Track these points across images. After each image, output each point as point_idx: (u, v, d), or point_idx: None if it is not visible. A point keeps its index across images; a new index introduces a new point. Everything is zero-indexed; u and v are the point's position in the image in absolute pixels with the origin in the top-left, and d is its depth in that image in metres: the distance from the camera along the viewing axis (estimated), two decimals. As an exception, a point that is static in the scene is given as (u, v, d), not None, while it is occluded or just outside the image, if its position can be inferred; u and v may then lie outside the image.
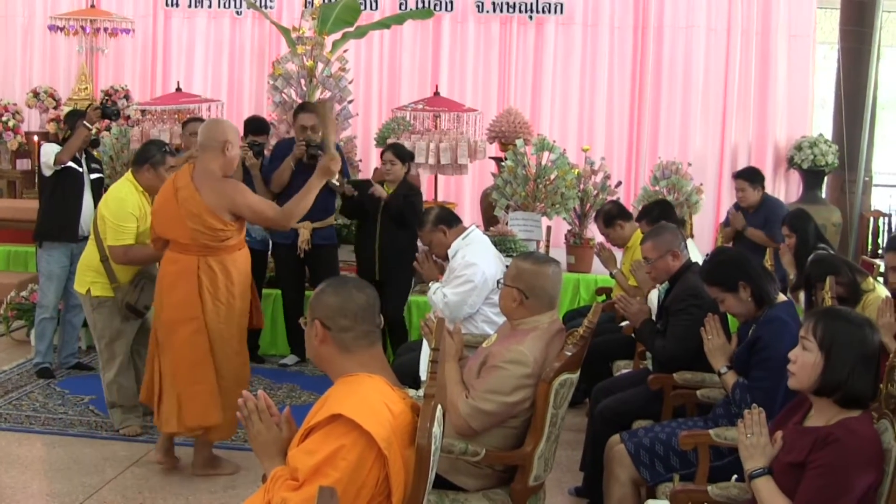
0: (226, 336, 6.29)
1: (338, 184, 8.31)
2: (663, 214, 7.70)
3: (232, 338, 6.33)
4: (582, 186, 10.18)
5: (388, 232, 8.68)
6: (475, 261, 6.79)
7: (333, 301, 3.56)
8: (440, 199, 11.79)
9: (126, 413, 7.29)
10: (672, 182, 10.41)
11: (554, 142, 10.29)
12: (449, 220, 7.05)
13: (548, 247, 9.32)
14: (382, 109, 13.82)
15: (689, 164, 10.89)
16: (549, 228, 9.65)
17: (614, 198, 9.87)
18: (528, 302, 4.82)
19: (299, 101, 10.42)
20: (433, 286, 6.93)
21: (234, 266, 6.29)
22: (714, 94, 13.54)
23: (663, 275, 6.21)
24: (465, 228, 7.07)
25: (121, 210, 6.96)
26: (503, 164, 10.34)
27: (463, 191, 13.71)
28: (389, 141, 10.25)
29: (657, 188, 10.45)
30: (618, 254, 8.37)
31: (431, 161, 10.79)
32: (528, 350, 4.66)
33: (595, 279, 9.95)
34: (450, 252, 6.95)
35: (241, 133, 10.59)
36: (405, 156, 8.89)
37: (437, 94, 11.83)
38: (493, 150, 12.02)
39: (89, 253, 7.21)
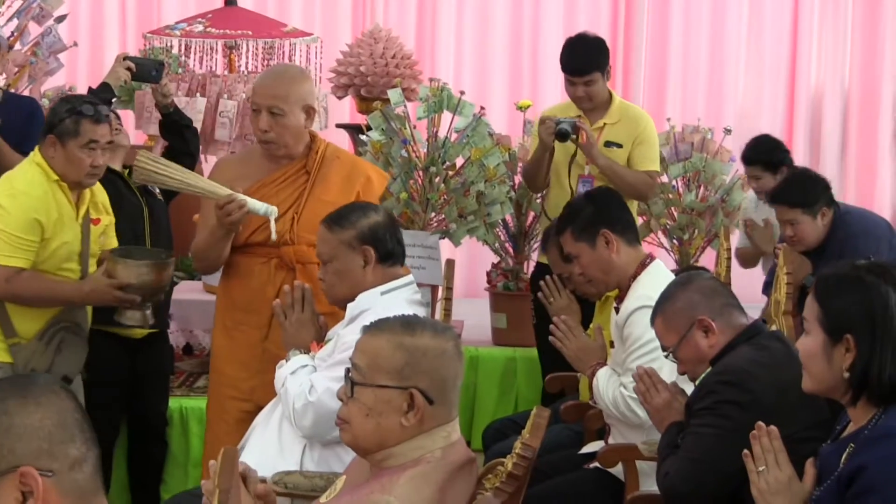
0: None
1: None
2: (599, 216, 5.08)
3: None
4: (518, 179, 7.31)
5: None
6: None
7: None
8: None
9: None
10: (693, 166, 7.49)
11: (462, 93, 7.07)
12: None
13: (449, 298, 6.20)
14: (127, 35, 10.01)
15: (728, 131, 7.82)
16: (450, 263, 6.50)
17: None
18: (433, 410, 3.19)
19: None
20: (295, 360, 4.66)
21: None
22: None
23: (692, 363, 4.19)
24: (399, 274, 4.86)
25: (20, 210, 5.07)
26: (364, 137, 7.49)
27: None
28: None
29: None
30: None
31: (230, 135, 7.39)
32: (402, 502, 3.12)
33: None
34: (351, 306, 4.68)
35: None
36: None
37: (230, 2, 8.29)
38: (345, 110, 8.95)
39: None
